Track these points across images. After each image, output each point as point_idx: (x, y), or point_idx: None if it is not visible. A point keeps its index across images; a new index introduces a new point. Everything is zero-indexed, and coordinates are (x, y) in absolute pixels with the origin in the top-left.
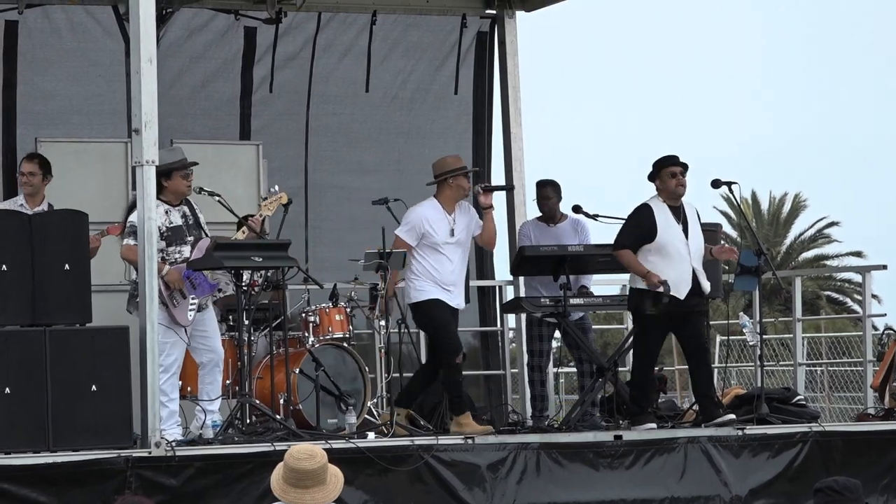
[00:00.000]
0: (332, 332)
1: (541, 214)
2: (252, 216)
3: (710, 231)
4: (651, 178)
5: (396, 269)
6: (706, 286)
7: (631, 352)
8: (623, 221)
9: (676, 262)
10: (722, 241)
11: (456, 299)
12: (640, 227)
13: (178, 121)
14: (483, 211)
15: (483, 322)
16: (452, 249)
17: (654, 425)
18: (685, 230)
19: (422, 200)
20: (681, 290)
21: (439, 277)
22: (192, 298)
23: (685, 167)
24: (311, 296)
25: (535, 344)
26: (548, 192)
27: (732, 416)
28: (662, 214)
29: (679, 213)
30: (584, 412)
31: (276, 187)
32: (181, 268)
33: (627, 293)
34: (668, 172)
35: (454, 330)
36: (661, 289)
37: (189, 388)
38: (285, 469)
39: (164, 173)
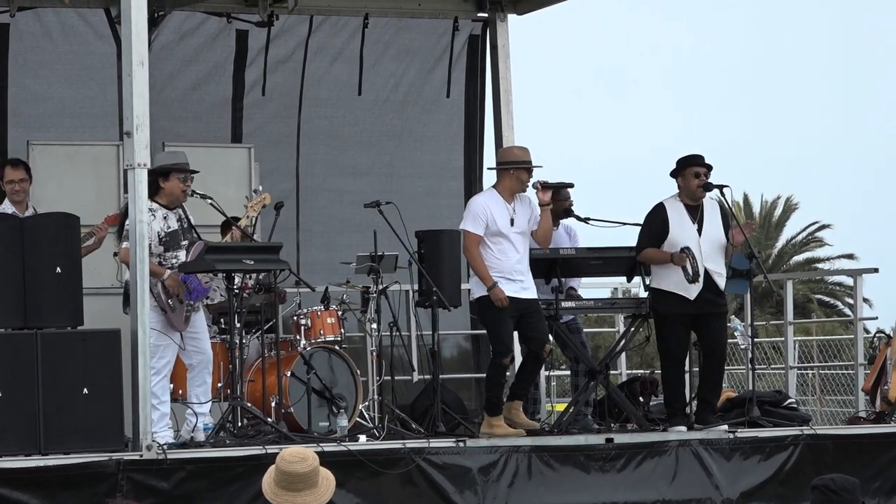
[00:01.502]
0: (323, 335)
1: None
2: (237, 218)
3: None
4: (674, 174)
5: (388, 272)
6: (722, 285)
7: (623, 354)
8: (615, 225)
9: None
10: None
11: (525, 289)
12: (651, 230)
13: (169, 123)
14: (539, 208)
15: (473, 325)
16: (517, 238)
17: (683, 428)
18: (700, 229)
19: (409, 203)
20: (691, 290)
21: (505, 266)
22: (189, 303)
23: (709, 168)
24: (303, 299)
25: None
26: (568, 193)
27: (725, 427)
28: (676, 214)
29: (696, 212)
30: (576, 413)
31: (260, 187)
32: (177, 272)
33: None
34: (692, 172)
35: (508, 330)
36: (686, 262)
37: (180, 391)
38: (276, 472)
39: (162, 173)
